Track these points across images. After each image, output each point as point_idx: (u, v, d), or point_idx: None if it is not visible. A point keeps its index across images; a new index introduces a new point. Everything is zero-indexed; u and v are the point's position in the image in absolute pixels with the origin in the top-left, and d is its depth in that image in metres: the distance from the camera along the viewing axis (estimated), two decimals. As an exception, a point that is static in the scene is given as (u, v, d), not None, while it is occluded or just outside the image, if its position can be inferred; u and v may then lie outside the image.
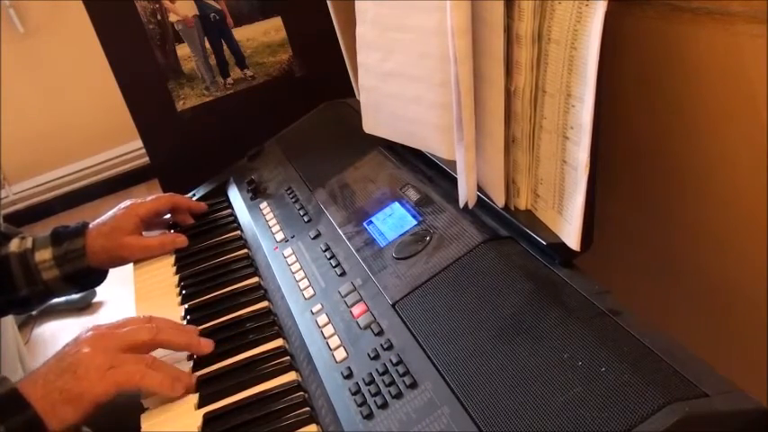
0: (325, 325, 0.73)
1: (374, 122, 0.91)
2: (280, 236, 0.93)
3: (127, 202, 0.99)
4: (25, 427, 0.66)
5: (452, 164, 0.75)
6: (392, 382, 0.62)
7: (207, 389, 0.73)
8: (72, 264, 0.94)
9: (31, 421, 0.66)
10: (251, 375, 0.73)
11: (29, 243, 0.95)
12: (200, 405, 0.71)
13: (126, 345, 0.72)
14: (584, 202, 0.62)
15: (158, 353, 0.75)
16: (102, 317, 2.36)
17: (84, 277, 0.96)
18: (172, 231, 1.06)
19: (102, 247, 0.95)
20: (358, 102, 0.97)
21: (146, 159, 2.20)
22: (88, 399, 0.68)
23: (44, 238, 0.95)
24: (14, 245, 0.95)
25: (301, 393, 0.69)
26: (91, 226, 0.96)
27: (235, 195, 1.10)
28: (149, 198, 1.00)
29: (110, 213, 0.98)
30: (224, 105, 1.28)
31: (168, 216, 1.06)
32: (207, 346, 0.77)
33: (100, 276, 0.99)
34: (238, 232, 1.02)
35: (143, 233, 1.00)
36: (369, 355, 0.66)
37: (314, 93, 1.23)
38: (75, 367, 0.68)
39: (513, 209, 0.74)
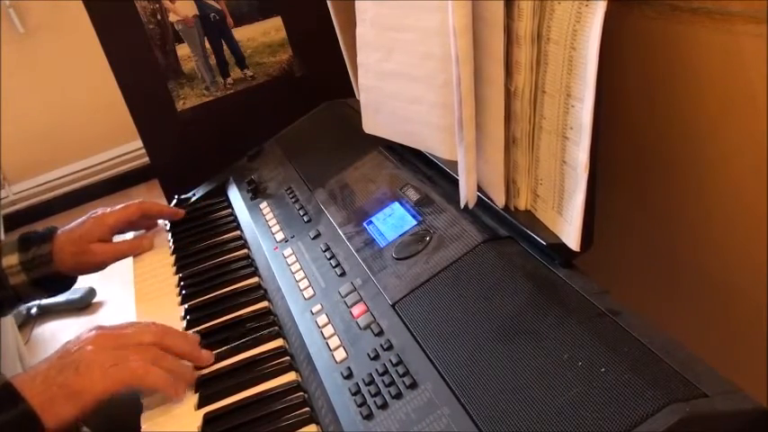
0: (325, 325, 0.73)
1: (374, 122, 0.91)
2: (280, 236, 0.93)
3: (97, 211, 0.99)
4: (18, 421, 0.65)
5: (452, 164, 0.75)
6: (392, 383, 0.62)
7: (207, 389, 0.73)
8: (39, 269, 0.94)
9: (25, 415, 0.65)
10: (251, 375, 0.73)
11: None
12: (200, 405, 0.71)
13: (130, 345, 0.71)
14: (583, 203, 0.62)
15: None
16: (102, 317, 2.36)
17: (52, 282, 0.96)
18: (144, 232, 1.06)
19: (70, 253, 0.95)
20: (358, 102, 0.97)
21: (146, 159, 2.20)
22: (88, 396, 0.67)
23: (11, 244, 0.95)
24: None
25: (301, 393, 0.69)
26: (59, 231, 0.97)
27: (235, 195, 1.10)
28: (118, 207, 1.00)
29: (79, 221, 0.98)
30: (224, 105, 1.28)
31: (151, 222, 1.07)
32: (207, 357, 0.76)
33: (69, 282, 0.99)
34: (238, 232, 1.02)
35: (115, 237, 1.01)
36: (369, 355, 0.66)
37: (314, 93, 1.23)
38: (77, 364, 0.68)
39: (512, 209, 0.74)
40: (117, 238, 1.02)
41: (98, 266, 0.99)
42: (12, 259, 0.94)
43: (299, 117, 1.20)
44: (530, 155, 0.70)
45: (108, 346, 0.70)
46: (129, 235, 1.06)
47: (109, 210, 0.99)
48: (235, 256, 0.97)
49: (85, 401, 0.67)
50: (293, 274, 0.84)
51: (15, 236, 0.96)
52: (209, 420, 0.69)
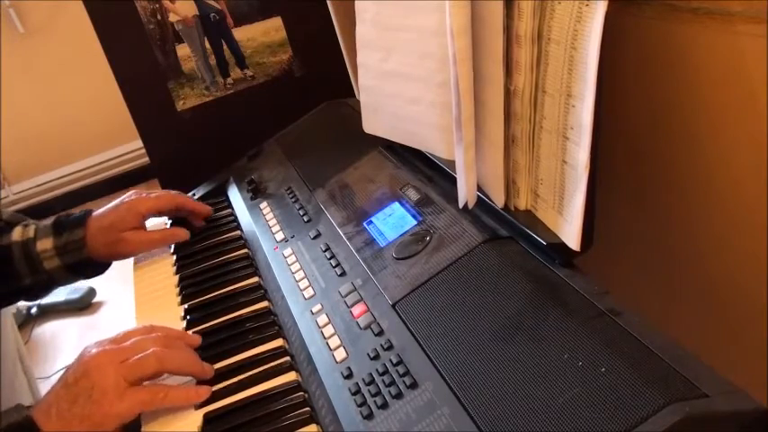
0: (326, 325, 0.73)
1: (374, 122, 0.91)
2: (280, 236, 0.93)
3: (131, 195, 0.97)
4: None
5: (452, 164, 0.75)
6: (392, 383, 0.62)
7: (207, 389, 0.73)
8: (72, 255, 0.93)
9: None
10: (251, 375, 0.73)
11: (31, 232, 0.94)
12: (200, 405, 0.71)
13: (133, 356, 0.70)
14: (584, 202, 0.62)
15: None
16: (102, 317, 2.36)
17: (86, 267, 0.95)
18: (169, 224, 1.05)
19: (101, 242, 0.94)
20: (358, 102, 0.97)
21: (146, 159, 2.20)
22: (112, 420, 0.66)
23: (46, 228, 0.94)
24: (17, 233, 0.94)
25: (301, 393, 0.69)
26: (93, 216, 0.95)
27: (235, 195, 1.10)
28: (153, 194, 0.98)
29: (112, 206, 0.96)
30: (224, 105, 1.28)
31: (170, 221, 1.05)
32: (209, 370, 0.75)
33: (103, 266, 0.98)
34: (238, 232, 1.02)
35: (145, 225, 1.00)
36: (369, 355, 0.66)
37: (314, 93, 1.23)
38: (90, 391, 0.66)
39: (512, 209, 0.74)
40: (149, 223, 1.00)
41: (130, 255, 0.98)
42: (46, 243, 0.93)
43: (299, 117, 1.20)
44: (530, 154, 0.70)
45: (112, 362, 0.68)
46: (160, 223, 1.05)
47: (144, 195, 0.98)
48: (235, 256, 0.97)
49: (111, 426, 0.66)
50: (293, 273, 0.84)
51: (50, 219, 0.96)
52: (209, 420, 0.69)
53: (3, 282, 0.93)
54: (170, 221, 1.05)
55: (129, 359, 0.69)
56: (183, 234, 1.00)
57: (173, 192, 1.03)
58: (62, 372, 0.71)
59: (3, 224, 0.96)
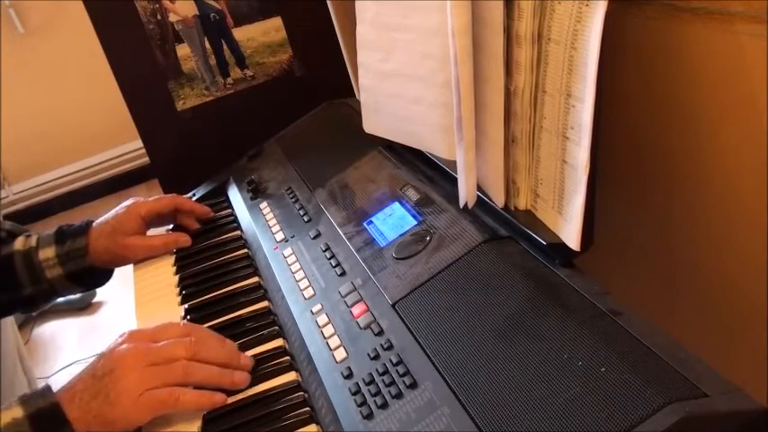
0: (326, 325, 0.73)
1: (374, 122, 0.91)
2: (280, 236, 0.93)
3: (129, 201, 0.98)
4: None
5: (452, 164, 0.75)
6: (392, 382, 0.62)
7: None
8: (75, 262, 0.94)
9: None
10: (251, 375, 0.73)
11: (33, 241, 0.95)
12: (199, 405, 0.71)
13: (161, 362, 0.69)
14: (584, 202, 0.62)
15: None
16: (102, 317, 2.36)
17: (88, 276, 0.95)
18: (171, 229, 1.05)
19: (104, 247, 0.94)
20: (358, 102, 0.97)
21: (146, 159, 2.20)
22: (122, 425, 0.67)
23: (48, 237, 0.95)
24: (19, 243, 0.95)
25: (301, 393, 0.69)
26: (94, 225, 0.96)
27: (235, 195, 1.10)
28: (152, 198, 1.00)
29: (112, 212, 0.97)
30: (224, 105, 1.28)
31: (171, 224, 1.05)
32: (246, 363, 0.74)
33: (105, 275, 0.98)
34: (238, 232, 1.02)
35: (147, 232, 1.00)
36: (369, 355, 0.66)
37: (314, 93, 1.23)
38: (109, 390, 0.67)
39: (512, 209, 0.74)
40: (150, 232, 1.01)
41: (132, 261, 0.99)
42: (48, 252, 0.94)
43: (299, 117, 1.20)
44: (530, 154, 0.70)
45: (138, 365, 0.68)
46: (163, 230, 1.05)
47: (141, 199, 0.99)
48: (235, 256, 0.97)
49: (119, 429, 0.67)
50: (293, 273, 0.84)
51: (53, 228, 0.96)
52: (209, 420, 0.69)
53: (4, 291, 0.94)
54: (171, 227, 1.05)
55: (156, 364, 0.69)
56: (184, 240, 1.00)
57: (171, 194, 1.03)
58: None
59: (4, 234, 0.96)
